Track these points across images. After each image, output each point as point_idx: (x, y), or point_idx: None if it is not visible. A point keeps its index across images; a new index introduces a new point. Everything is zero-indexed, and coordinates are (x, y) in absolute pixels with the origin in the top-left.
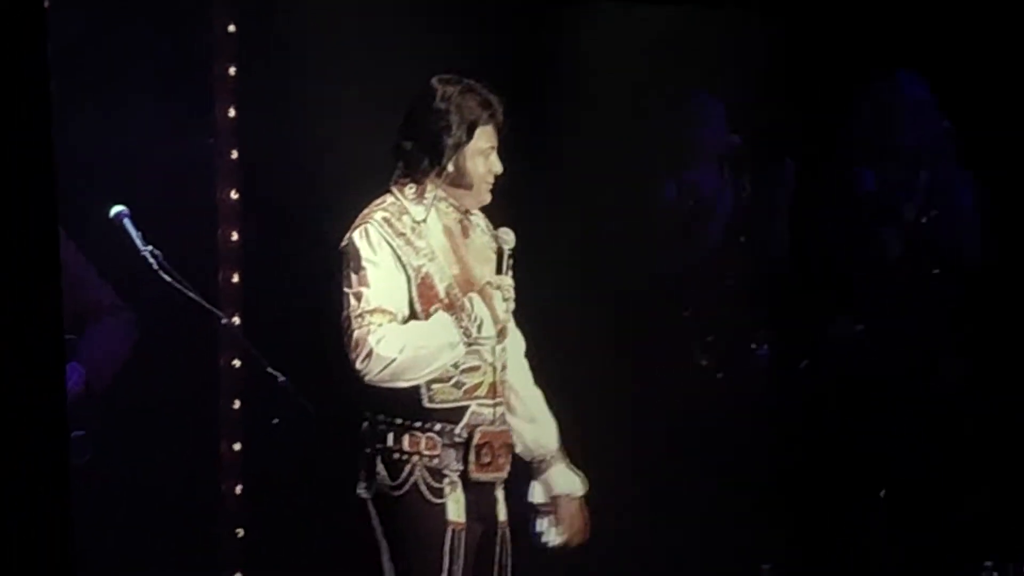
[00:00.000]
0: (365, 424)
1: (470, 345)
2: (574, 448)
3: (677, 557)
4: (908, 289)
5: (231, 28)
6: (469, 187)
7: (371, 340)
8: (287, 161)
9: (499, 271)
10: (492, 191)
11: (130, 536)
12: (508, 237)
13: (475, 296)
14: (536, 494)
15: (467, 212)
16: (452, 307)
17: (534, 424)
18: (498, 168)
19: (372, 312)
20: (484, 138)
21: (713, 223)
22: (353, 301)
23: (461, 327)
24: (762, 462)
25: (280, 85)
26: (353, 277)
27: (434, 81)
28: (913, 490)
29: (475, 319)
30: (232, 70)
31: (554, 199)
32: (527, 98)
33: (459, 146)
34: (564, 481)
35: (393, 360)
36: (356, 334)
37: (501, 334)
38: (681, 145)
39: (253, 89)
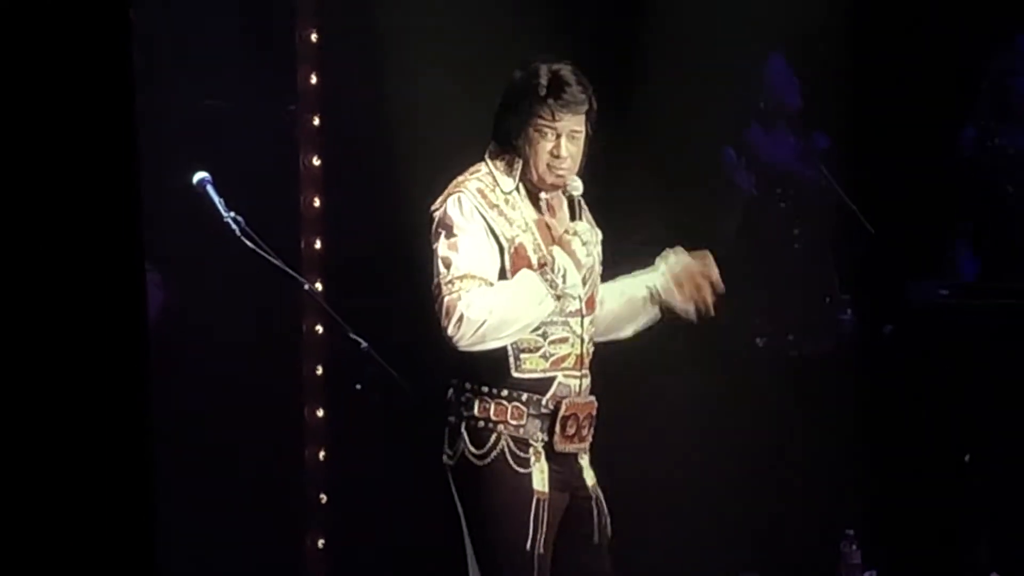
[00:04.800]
0: (450, 392)
1: (559, 298)
2: (651, 420)
3: (762, 523)
4: (995, 252)
5: None
6: (527, 163)
7: (461, 306)
8: (369, 127)
9: (572, 218)
10: (567, 176)
11: (214, 501)
12: (576, 183)
13: (555, 247)
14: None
15: (542, 191)
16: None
17: (623, 295)
18: (561, 152)
19: (461, 278)
20: (542, 117)
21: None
22: (443, 268)
23: (546, 280)
24: (845, 427)
25: (362, 50)
26: (444, 243)
27: (537, 60)
28: (998, 455)
29: (559, 270)
30: (314, 36)
31: (622, 167)
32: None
33: (519, 119)
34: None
35: (484, 322)
36: (447, 300)
37: (590, 306)
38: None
39: (335, 55)
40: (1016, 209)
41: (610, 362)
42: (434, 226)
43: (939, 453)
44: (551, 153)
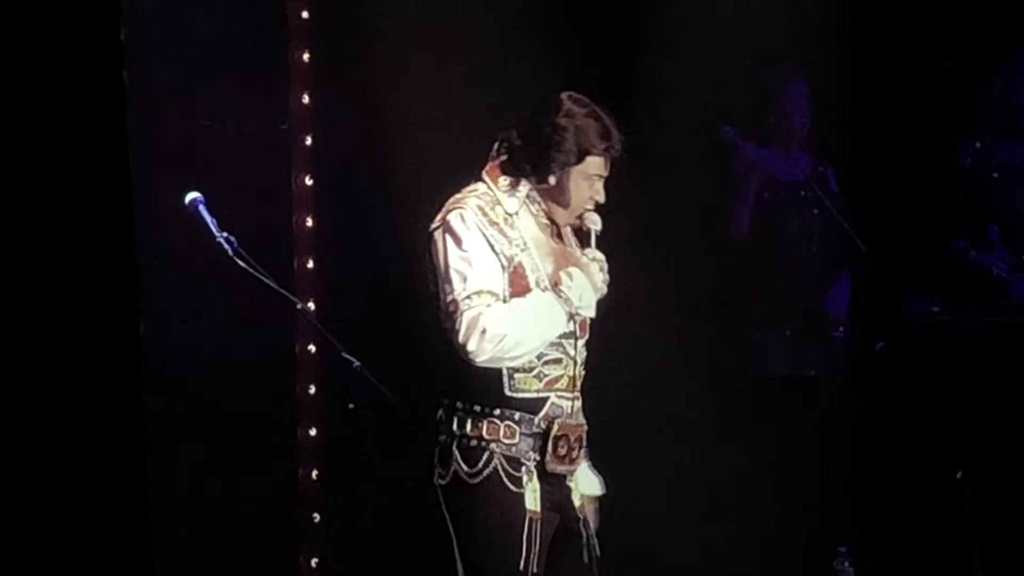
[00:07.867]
0: (440, 412)
1: (571, 317)
2: (642, 436)
3: (755, 538)
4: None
5: (305, 14)
6: (566, 206)
7: (483, 321)
8: (361, 147)
9: (583, 246)
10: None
11: (207, 521)
12: (595, 217)
13: (573, 269)
14: None
15: (557, 226)
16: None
17: None
18: (601, 197)
19: (479, 293)
20: (594, 166)
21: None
22: (458, 282)
23: (562, 299)
24: (839, 444)
25: (353, 70)
26: (456, 257)
27: (563, 96)
28: (990, 472)
29: (576, 288)
30: (306, 56)
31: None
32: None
33: (567, 165)
34: (586, 483)
35: (504, 337)
36: (467, 314)
37: (583, 328)
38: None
39: (327, 75)
40: (1011, 224)
41: (603, 378)
42: (438, 243)
43: (932, 470)
44: (592, 198)
